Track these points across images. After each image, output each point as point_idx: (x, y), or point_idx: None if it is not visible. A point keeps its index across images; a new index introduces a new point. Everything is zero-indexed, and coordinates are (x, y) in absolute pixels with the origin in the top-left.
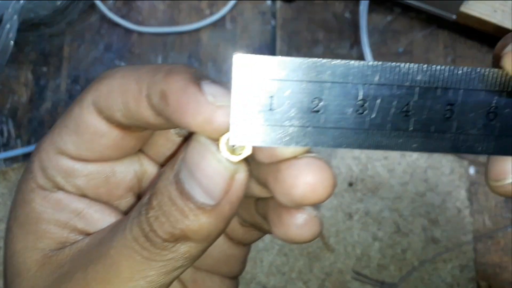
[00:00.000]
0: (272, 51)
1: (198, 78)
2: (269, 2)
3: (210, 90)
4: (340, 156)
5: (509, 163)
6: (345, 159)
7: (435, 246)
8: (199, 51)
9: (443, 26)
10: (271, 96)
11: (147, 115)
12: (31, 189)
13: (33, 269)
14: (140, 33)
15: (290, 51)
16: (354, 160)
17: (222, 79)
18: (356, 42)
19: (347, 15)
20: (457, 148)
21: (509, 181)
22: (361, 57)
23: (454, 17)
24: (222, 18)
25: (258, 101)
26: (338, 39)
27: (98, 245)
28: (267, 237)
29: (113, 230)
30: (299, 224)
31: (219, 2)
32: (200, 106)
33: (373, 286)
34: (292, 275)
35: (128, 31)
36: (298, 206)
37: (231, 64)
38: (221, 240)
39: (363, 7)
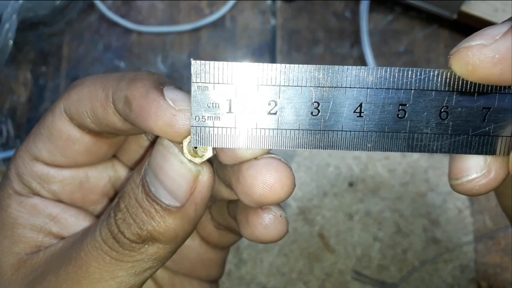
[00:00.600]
0: (272, 51)
1: (161, 84)
2: (269, 2)
3: (171, 95)
4: (341, 156)
5: (467, 161)
6: (345, 159)
7: (435, 247)
8: (199, 51)
9: (444, 25)
10: (229, 100)
11: (114, 120)
12: (7, 195)
13: (8, 273)
14: (140, 33)
15: (290, 51)
16: (354, 160)
17: None
18: (357, 41)
19: (347, 14)
20: (412, 147)
21: (467, 179)
22: (361, 56)
23: (454, 16)
24: (222, 18)
25: (217, 105)
26: (338, 38)
27: (70, 248)
28: None
29: (84, 233)
30: (265, 224)
31: (219, 1)
32: (160, 110)
33: (374, 286)
34: (292, 275)
35: (128, 30)
36: (259, 205)
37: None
38: (198, 244)
39: (364, 6)
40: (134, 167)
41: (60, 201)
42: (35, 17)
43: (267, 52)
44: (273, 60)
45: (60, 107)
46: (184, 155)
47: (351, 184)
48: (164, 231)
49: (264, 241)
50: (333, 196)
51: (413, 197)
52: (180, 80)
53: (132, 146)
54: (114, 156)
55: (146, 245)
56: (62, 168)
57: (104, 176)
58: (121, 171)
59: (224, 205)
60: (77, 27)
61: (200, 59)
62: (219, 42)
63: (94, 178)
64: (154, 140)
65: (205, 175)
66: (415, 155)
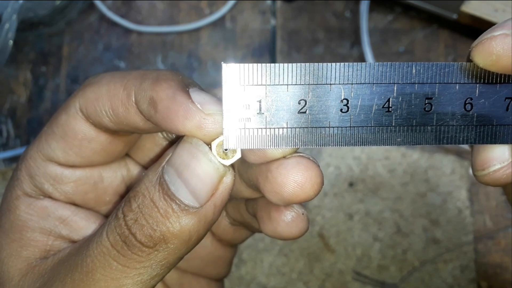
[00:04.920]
0: (272, 51)
1: (186, 85)
2: (269, 2)
3: (198, 97)
4: (341, 156)
5: (491, 151)
6: (345, 159)
7: (435, 247)
8: (199, 51)
9: (444, 25)
10: (259, 101)
11: (136, 120)
12: (16, 196)
13: (16, 278)
14: (140, 33)
15: (290, 51)
16: (354, 160)
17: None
18: (357, 41)
19: (347, 14)
20: (439, 139)
21: (493, 168)
22: (361, 56)
23: (455, 16)
24: (222, 18)
25: (247, 106)
26: (338, 38)
27: (76, 254)
28: (267, 238)
29: (90, 238)
30: (288, 221)
31: (219, 1)
32: (190, 114)
33: (374, 286)
34: (292, 275)
35: (128, 30)
36: (287, 204)
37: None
38: (209, 241)
39: (364, 6)
40: (148, 166)
41: (71, 203)
42: (35, 17)
43: (267, 52)
44: (273, 61)
45: (75, 105)
46: (214, 155)
47: (351, 184)
48: (178, 233)
49: (285, 237)
50: (333, 196)
51: (413, 197)
52: None
53: (146, 143)
54: (127, 155)
55: (156, 251)
56: (76, 168)
57: (117, 175)
58: (134, 170)
59: (241, 202)
60: (77, 27)
61: (200, 59)
62: (219, 42)
63: (108, 178)
64: (174, 140)
65: (229, 177)
66: (415, 155)
